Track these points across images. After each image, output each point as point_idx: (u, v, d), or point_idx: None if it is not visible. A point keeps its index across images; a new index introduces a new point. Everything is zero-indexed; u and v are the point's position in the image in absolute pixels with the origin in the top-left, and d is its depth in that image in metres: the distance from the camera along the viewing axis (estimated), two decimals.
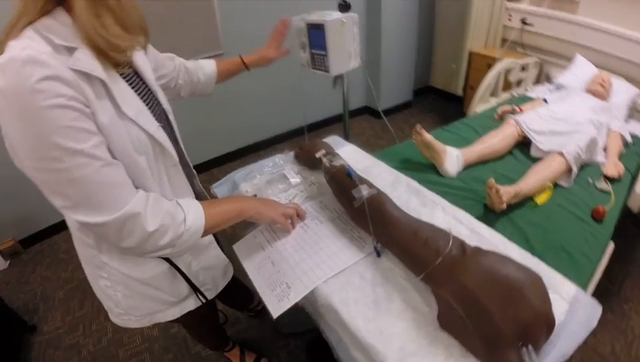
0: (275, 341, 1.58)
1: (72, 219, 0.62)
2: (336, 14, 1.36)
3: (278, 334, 1.60)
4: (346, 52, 1.43)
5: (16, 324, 1.67)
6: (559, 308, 0.76)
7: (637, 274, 1.73)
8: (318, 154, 1.11)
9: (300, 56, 1.55)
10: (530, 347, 0.67)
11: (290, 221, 0.97)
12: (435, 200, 1.06)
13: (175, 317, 0.93)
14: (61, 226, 2.24)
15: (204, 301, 0.95)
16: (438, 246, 0.77)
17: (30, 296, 1.92)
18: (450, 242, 0.77)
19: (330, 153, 1.12)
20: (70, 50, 0.56)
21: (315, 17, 1.38)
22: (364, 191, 0.90)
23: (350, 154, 1.31)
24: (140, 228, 0.64)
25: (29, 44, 0.53)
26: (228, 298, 1.42)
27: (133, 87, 0.71)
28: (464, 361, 0.69)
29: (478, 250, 0.77)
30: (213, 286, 0.98)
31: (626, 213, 1.54)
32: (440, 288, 0.72)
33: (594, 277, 1.17)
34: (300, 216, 1.01)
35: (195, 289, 0.91)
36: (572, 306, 0.81)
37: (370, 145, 3.02)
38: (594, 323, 0.81)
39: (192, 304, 0.94)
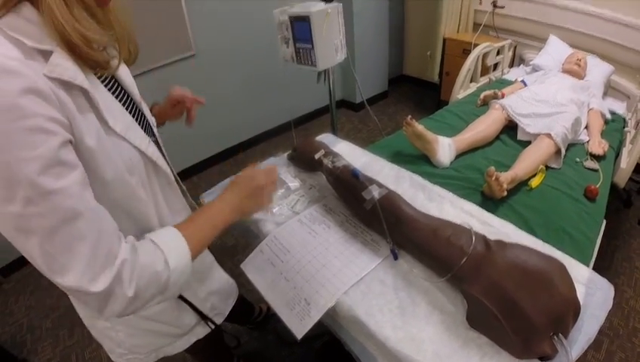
0: (279, 351, 1.53)
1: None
2: (321, 5, 1.30)
3: (281, 343, 1.55)
4: (332, 44, 1.38)
5: (6, 360, 1.54)
6: (577, 292, 0.75)
7: (625, 248, 1.79)
8: (317, 155, 1.06)
9: (283, 51, 1.48)
10: (560, 335, 0.66)
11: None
12: (442, 194, 1.04)
13: (183, 349, 0.86)
14: None
15: (213, 327, 0.88)
16: (462, 243, 0.74)
17: (16, 329, 1.78)
18: (474, 238, 0.75)
19: (330, 153, 1.07)
20: (45, 55, 0.46)
21: (298, 9, 1.32)
22: (375, 192, 0.86)
23: (346, 152, 1.26)
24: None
25: None
26: (230, 314, 1.34)
27: (116, 97, 0.62)
28: (499, 358, 0.67)
29: (501, 244, 0.75)
30: (221, 309, 0.91)
31: (610, 188, 1.57)
32: (469, 287, 0.69)
33: (594, 256, 1.19)
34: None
35: (203, 317, 0.84)
36: (589, 289, 0.82)
37: (351, 140, 2.91)
38: (610, 303, 0.82)
39: (200, 332, 0.87)
